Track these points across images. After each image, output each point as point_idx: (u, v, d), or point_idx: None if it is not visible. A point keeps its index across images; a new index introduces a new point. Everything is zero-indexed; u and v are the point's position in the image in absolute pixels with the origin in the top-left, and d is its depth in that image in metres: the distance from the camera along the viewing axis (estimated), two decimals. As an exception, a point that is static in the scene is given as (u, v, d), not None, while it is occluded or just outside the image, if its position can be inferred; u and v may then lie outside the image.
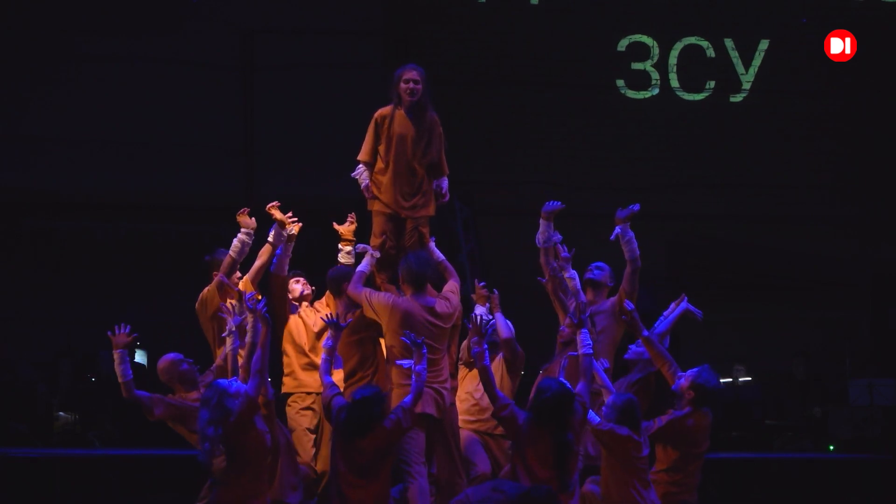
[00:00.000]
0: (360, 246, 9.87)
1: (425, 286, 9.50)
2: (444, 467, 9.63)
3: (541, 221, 10.34)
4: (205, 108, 18.40)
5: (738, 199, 19.51)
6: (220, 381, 8.65)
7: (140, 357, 17.35)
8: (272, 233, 10.18)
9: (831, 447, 15.44)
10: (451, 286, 9.71)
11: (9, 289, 18.09)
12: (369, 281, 9.81)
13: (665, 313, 10.47)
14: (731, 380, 16.88)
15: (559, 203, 10.28)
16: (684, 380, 9.32)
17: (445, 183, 10.07)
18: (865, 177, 19.46)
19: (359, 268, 9.74)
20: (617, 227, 10.43)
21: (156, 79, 18.38)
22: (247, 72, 18.46)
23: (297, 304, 10.49)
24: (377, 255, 9.79)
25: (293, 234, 10.28)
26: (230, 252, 10.26)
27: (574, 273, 10.14)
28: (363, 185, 9.97)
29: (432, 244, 9.99)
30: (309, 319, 10.37)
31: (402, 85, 9.90)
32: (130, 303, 18.20)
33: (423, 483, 9.15)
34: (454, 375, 9.88)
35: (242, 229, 10.27)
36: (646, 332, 9.69)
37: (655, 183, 19.31)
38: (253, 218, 10.25)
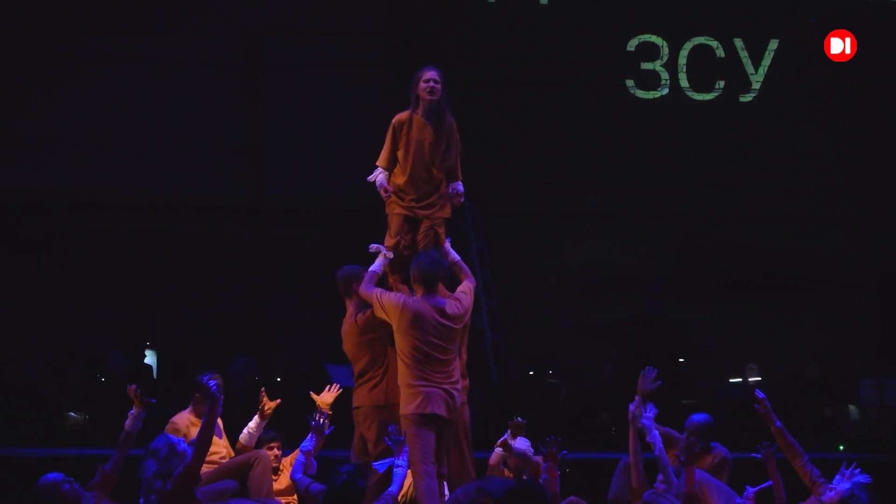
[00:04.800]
0: (374, 246, 9.81)
1: (436, 286, 9.46)
2: (455, 467, 9.64)
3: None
4: (211, 109, 18.42)
5: (747, 199, 19.50)
6: (171, 435, 8.63)
7: (149, 358, 17.39)
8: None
9: (841, 447, 15.42)
10: (465, 286, 9.68)
11: (17, 289, 18.10)
12: (382, 282, 9.78)
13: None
14: (741, 379, 16.86)
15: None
16: (835, 494, 9.05)
17: (461, 186, 10.02)
18: (875, 177, 19.45)
19: (371, 268, 9.70)
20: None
21: (163, 79, 18.41)
22: (252, 72, 18.46)
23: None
24: (390, 255, 9.75)
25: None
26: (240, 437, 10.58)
27: (656, 434, 9.58)
28: (379, 184, 9.91)
29: (447, 244, 9.95)
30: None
31: (422, 84, 9.81)
32: (137, 303, 18.24)
33: (430, 483, 9.13)
34: (464, 375, 9.85)
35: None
36: (778, 423, 9.38)
37: (665, 183, 19.32)
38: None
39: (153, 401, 9.47)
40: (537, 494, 8.23)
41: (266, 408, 10.59)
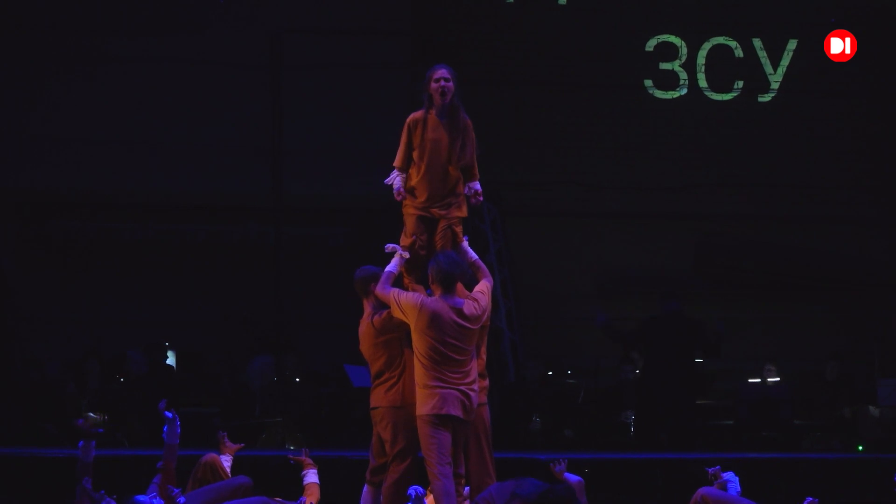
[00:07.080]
0: (390, 246, 9.80)
1: (454, 286, 9.44)
2: (475, 467, 9.63)
3: None
4: (233, 109, 18.43)
5: (766, 199, 19.48)
6: (139, 497, 8.64)
7: (170, 358, 17.43)
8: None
9: (860, 447, 15.39)
10: (482, 286, 9.66)
11: (37, 289, 18.16)
12: (398, 282, 9.77)
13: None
14: (760, 379, 16.84)
15: None
16: None
17: (478, 185, 9.98)
18: (893, 176, 19.41)
19: (387, 268, 9.68)
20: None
21: (185, 79, 18.42)
22: (274, 72, 18.43)
23: None
24: (406, 255, 9.74)
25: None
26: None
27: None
28: (395, 189, 9.89)
29: (465, 243, 9.93)
30: None
31: (433, 84, 9.76)
32: (158, 303, 18.29)
33: (447, 484, 9.14)
34: (484, 375, 9.84)
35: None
36: None
37: (684, 183, 19.31)
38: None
39: (101, 430, 9.50)
40: (568, 500, 8.27)
41: (230, 451, 10.62)
